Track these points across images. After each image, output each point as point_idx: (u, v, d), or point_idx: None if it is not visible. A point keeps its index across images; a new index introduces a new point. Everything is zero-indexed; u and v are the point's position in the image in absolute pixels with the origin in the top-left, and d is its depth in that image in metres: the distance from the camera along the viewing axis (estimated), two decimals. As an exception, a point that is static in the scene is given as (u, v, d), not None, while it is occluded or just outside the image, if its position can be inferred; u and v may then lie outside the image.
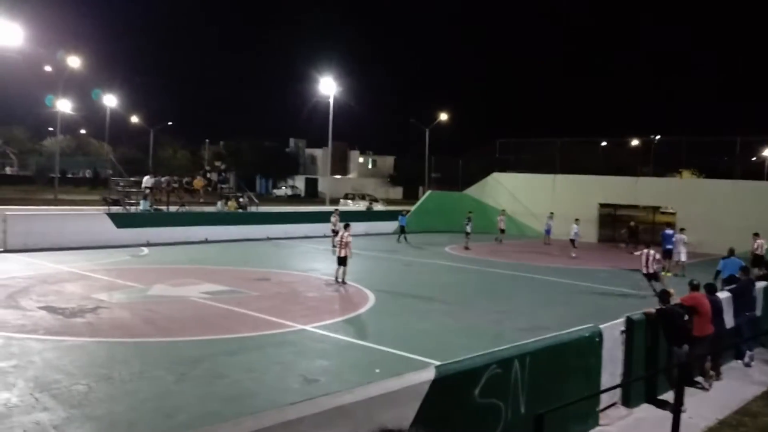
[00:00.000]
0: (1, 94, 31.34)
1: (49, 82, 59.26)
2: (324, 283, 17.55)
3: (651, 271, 16.96)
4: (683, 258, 21.69)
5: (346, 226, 17.98)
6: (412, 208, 36.58)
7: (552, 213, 31.43)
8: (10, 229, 21.55)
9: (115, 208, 30.34)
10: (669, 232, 23.06)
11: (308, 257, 23.56)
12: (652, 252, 17.23)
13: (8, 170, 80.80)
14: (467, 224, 28.58)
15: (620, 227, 33.56)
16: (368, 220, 34.25)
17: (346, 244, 17.23)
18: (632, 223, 32.28)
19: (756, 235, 20.91)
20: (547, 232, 31.00)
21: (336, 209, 29.31)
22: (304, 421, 4.72)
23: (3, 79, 31.62)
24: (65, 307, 13.16)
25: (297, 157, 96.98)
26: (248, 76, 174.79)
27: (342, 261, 17.27)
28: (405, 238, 29.24)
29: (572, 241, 26.72)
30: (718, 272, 14.26)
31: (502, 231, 31.62)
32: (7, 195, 42.02)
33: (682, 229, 23.23)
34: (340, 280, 17.23)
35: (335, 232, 26.69)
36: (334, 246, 26.00)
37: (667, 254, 21.55)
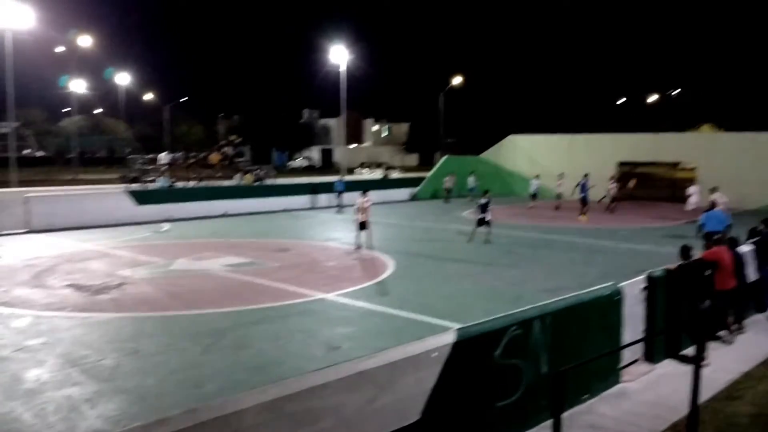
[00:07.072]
0: (15, 77, 31.37)
1: (62, 63, 59.59)
2: (344, 252, 17.65)
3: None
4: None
5: (364, 193, 18.22)
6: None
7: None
8: (34, 210, 21.88)
9: (134, 186, 30.63)
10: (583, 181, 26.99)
11: (327, 227, 23.67)
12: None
13: (27, 152, 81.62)
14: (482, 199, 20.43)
15: (640, 185, 33.12)
16: (384, 188, 34.35)
17: (365, 209, 17.64)
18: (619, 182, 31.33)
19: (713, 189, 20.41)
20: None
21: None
22: (328, 387, 4.80)
23: (16, 61, 31.59)
24: (91, 284, 13.39)
25: (311, 128, 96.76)
26: (260, 47, 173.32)
27: (363, 226, 17.59)
28: (340, 206, 28.25)
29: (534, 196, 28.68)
30: (700, 226, 14.09)
31: (558, 196, 29.69)
32: (28, 177, 42.47)
33: (701, 188, 22.28)
34: (364, 246, 17.49)
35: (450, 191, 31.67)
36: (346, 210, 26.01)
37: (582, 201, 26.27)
